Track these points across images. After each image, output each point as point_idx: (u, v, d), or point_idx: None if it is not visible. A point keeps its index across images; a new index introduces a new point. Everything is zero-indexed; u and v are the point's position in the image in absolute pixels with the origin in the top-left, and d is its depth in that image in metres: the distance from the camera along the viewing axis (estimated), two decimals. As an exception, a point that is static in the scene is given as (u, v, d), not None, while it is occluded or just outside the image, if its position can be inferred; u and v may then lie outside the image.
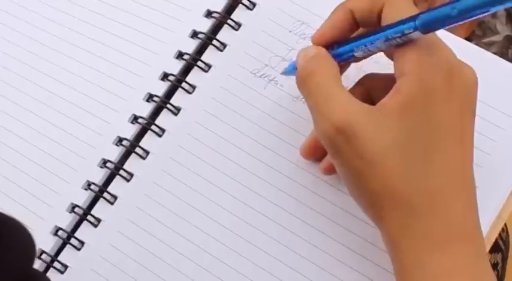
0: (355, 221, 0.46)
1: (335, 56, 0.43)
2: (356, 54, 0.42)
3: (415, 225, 0.38)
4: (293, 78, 0.50)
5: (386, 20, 0.40)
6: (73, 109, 0.53)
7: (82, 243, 0.49)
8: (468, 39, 0.54)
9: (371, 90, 0.44)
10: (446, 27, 0.38)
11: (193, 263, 0.47)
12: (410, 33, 0.38)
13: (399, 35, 0.39)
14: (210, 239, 0.48)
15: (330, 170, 0.46)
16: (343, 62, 0.44)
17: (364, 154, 0.38)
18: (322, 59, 0.42)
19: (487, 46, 0.94)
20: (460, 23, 0.37)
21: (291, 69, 0.47)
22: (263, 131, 0.49)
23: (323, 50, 0.43)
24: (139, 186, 0.50)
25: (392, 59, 0.41)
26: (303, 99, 0.49)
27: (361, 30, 0.44)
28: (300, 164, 0.48)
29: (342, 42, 0.43)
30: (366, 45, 0.41)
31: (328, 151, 0.41)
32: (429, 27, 0.38)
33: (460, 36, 0.54)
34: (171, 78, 0.52)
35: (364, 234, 0.46)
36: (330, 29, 0.43)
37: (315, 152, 0.47)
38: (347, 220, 0.47)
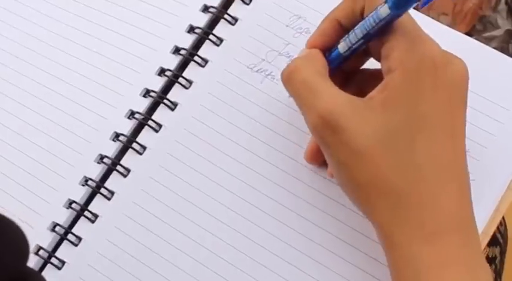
0: (351, 214, 0.46)
1: (330, 60, 0.44)
2: (340, 47, 0.43)
3: (404, 215, 0.39)
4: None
5: (366, 14, 0.41)
6: (70, 105, 0.53)
7: (79, 239, 0.49)
8: (468, 33, 0.54)
9: (364, 86, 0.44)
10: (417, 4, 0.38)
11: (190, 258, 0.47)
12: (386, 16, 0.39)
13: (376, 20, 0.39)
14: (207, 234, 0.48)
15: (313, 158, 0.47)
16: (339, 64, 0.44)
17: (350, 145, 0.39)
18: (308, 57, 0.43)
19: (488, 41, 0.94)
20: None
21: None
22: (260, 126, 0.49)
23: (313, 50, 0.44)
24: (137, 181, 0.50)
25: (379, 60, 0.42)
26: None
27: None
28: (296, 158, 0.48)
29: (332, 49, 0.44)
30: (347, 37, 0.42)
31: (318, 144, 0.42)
32: (400, 3, 0.38)
33: (460, 31, 0.54)
34: (167, 73, 0.52)
35: (359, 227, 0.46)
36: (319, 37, 0.44)
37: (318, 157, 0.46)
38: (343, 214, 0.47)
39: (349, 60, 0.44)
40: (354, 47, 0.42)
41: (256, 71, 0.51)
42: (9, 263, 0.33)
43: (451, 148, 0.39)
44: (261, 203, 0.48)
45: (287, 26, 0.51)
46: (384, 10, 0.38)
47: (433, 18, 0.53)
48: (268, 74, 0.50)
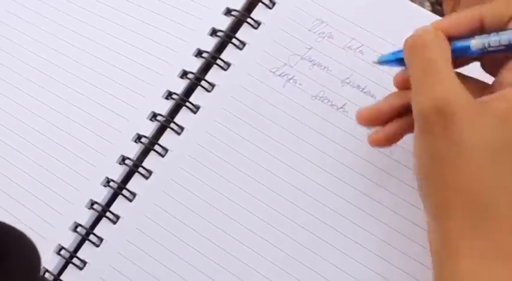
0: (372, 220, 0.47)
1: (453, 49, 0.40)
2: (473, 43, 0.40)
3: (483, 227, 0.35)
4: (311, 77, 0.50)
5: None
6: (93, 106, 0.53)
7: (101, 239, 0.50)
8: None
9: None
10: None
11: (210, 260, 0.48)
12: None
13: None
14: (227, 236, 0.48)
15: (379, 142, 0.43)
16: (454, 58, 0.40)
17: (456, 141, 0.36)
18: (438, 37, 0.39)
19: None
20: None
21: (390, 59, 0.43)
22: (281, 130, 0.49)
23: (441, 33, 0.40)
24: (158, 183, 0.50)
25: (487, 71, 0.40)
26: (322, 98, 0.49)
27: None
28: (317, 162, 0.48)
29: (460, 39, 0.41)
30: (488, 38, 0.39)
31: (417, 127, 0.38)
32: None
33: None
34: (190, 76, 0.52)
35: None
36: (454, 22, 0.41)
37: (376, 121, 0.43)
38: (364, 221, 0.47)
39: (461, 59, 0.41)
40: (488, 50, 0.39)
41: (279, 75, 0.51)
42: (23, 276, 0.34)
43: None
44: (281, 207, 0.48)
45: (309, 30, 0.51)
46: None
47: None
48: (291, 78, 0.50)
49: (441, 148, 0.36)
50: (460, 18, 0.40)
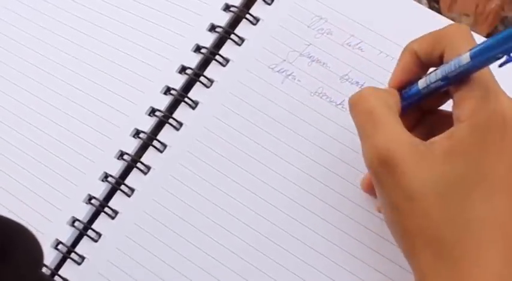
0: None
1: (408, 96, 0.42)
2: (419, 83, 0.41)
3: (446, 267, 0.37)
4: (310, 73, 0.50)
5: (447, 61, 0.40)
6: (91, 101, 0.53)
7: (99, 235, 0.50)
8: (490, 34, 0.54)
9: (436, 127, 0.43)
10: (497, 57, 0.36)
11: (208, 256, 0.48)
12: (465, 64, 0.37)
13: (456, 66, 0.38)
14: (225, 232, 0.48)
15: (370, 189, 0.46)
16: (416, 101, 0.43)
17: (403, 188, 0.37)
18: (381, 89, 0.42)
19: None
20: None
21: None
22: (280, 126, 0.49)
23: (382, 88, 0.43)
24: (157, 179, 0.50)
25: None
26: (320, 95, 0.50)
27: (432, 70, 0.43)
28: (315, 159, 0.48)
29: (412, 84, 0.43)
30: (428, 76, 0.41)
31: (371, 178, 0.40)
32: (480, 56, 0.37)
33: (482, 32, 0.54)
34: (188, 71, 0.52)
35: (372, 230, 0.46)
36: (401, 74, 0.43)
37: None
38: (363, 218, 0.47)
39: (428, 99, 0.42)
40: (432, 86, 0.40)
41: (277, 71, 0.51)
42: (25, 273, 0.34)
43: (506, 210, 0.37)
44: (280, 202, 0.48)
45: (308, 26, 0.52)
46: (465, 58, 0.37)
47: (454, 19, 0.53)
48: (289, 75, 0.50)
49: (392, 195, 0.38)
50: (404, 65, 0.43)
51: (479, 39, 0.49)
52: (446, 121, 0.40)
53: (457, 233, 0.37)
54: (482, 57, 0.37)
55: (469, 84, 0.38)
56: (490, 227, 0.37)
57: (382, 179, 0.39)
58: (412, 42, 0.43)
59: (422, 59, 0.42)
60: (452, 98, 0.41)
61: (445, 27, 0.41)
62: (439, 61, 0.41)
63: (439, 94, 0.42)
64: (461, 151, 0.37)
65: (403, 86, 0.43)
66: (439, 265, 0.37)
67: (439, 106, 0.44)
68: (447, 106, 0.43)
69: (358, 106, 0.41)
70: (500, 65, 0.36)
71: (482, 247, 0.37)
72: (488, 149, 0.37)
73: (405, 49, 0.43)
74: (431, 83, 0.40)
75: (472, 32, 0.49)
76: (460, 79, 0.39)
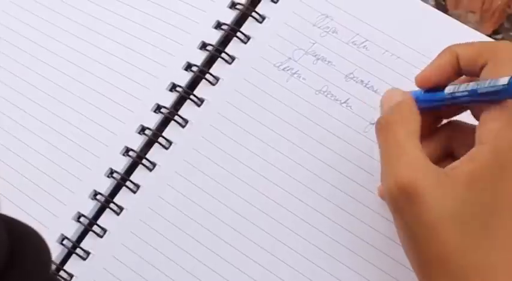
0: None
1: (427, 100, 0.41)
2: (446, 90, 0.40)
3: None
4: (315, 71, 0.50)
5: (485, 76, 0.39)
6: (97, 97, 0.53)
7: (104, 230, 0.50)
8: (496, 31, 0.54)
9: (452, 138, 0.43)
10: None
11: (213, 253, 0.48)
12: (500, 86, 0.37)
13: (491, 84, 0.37)
14: (230, 229, 0.48)
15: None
16: (437, 107, 0.42)
17: (423, 218, 0.37)
18: (407, 110, 0.41)
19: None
20: None
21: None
22: (285, 124, 0.50)
23: (410, 99, 0.41)
24: (162, 176, 0.50)
25: (477, 119, 0.40)
26: (325, 93, 0.50)
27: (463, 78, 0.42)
28: (319, 155, 0.49)
29: (438, 88, 0.41)
30: (458, 85, 0.40)
31: (388, 206, 0.40)
32: None
33: (487, 29, 0.54)
34: (194, 69, 0.52)
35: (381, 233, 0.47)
36: (435, 71, 0.42)
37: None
38: (366, 216, 0.47)
39: (448, 107, 0.42)
40: (458, 96, 0.40)
41: (283, 69, 0.51)
42: (35, 277, 0.34)
43: None
44: (284, 200, 0.48)
45: (314, 25, 0.52)
46: (503, 81, 0.36)
47: (460, 16, 0.53)
48: (295, 73, 0.51)
49: (410, 224, 0.38)
50: (441, 64, 0.41)
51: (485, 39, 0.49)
52: (465, 135, 0.40)
53: (475, 264, 0.36)
54: None
55: (497, 106, 0.38)
56: (510, 257, 0.36)
57: (401, 207, 0.38)
58: (457, 44, 0.41)
59: (461, 63, 0.41)
60: (473, 114, 0.41)
61: (497, 42, 0.40)
62: (477, 71, 0.40)
63: (459, 106, 0.41)
64: (483, 177, 0.37)
65: (430, 85, 0.42)
66: None
67: (456, 115, 0.44)
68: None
69: (384, 132, 0.40)
70: None
71: (500, 276, 0.36)
72: (509, 175, 0.37)
73: (447, 49, 0.42)
74: (459, 93, 0.39)
75: (476, 32, 0.50)
76: (492, 99, 0.38)
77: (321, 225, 0.47)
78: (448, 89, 0.40)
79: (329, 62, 0.51)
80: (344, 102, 0.50)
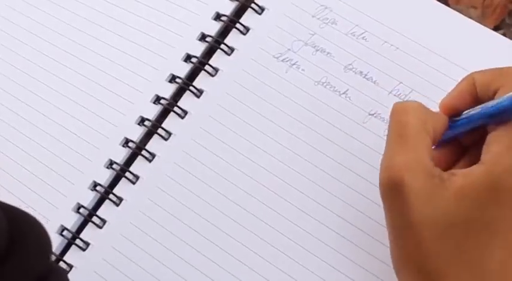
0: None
1: (455, 126, 0.41)
2: (464, 115, 0.41)
3: None
4: (314, 62, 0.50)
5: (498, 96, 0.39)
6: (97, 88, 0.54)
7: (104, 221, 0.50)
8: (497, 27, 0.54)
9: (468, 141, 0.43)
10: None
11: (213, 244, 0.48)
12: (504, 103, 0.37)
13: (494, 103, 0.38)
14: (228, 220, 0.48)
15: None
16: (459, 133, 0.42)
17: (404, 215, 0.37)
18: (429, 110, 0.41)
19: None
20: None
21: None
22: (284, 115, 0.50)
23: (442, 114, 0.42)
24: (161, 166, 0.50)
25: None
26: (324, 84, 0.50)
27: None
28: (319, 147, 0.49)
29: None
30: (468, 112, 0.40)
31: (379, 191, 0.40)
32: None
33: (489, 25, 0.53)
34: (194, 60, 0.52)
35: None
36: (454, 98, 0.42)
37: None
38: (368, 208, 0.47)
39: (469, 134, 0.42)
40: (471, 118, 0.40)
41: (282, 61, 0.51)
42: (35, 264, 0.34)
43: (503, 262, 0.37)
44: (284, 191, 0.48)
45: (313, 16, 0.52)
46: (507, 99, 0.37)
47: (461, 11, 0.52)
48: (294, 64, 0.51)
49: (394, 218, 0.39)
50: (461, 91, 0.41)
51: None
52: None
53: (445, 271, 0.37)
54: None
55: (504, 128, 0.38)
56: (480, 274, 0.37)
57: (389, 199, 0.39)
58: (476, 71, 0.41)
59: (478, 89, 0.41)
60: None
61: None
62: (491, 97, 0.39)
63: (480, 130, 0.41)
64: (471, 195, 0.37)
65: (452, 113, 0.41)
66: None
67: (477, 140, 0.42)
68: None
69: (396, 116, 0.40)
70: None
71: None
72: (499, 199, 0.37)
73: (467, 76, 0.42)
74: (472, 115, 0.40)
75: (478, 24, 0.49)
76: (498, 120, 0.38)
77: (320, 216, 0.47)
78: (464, 113, 0.41)
79: (328, 53, 0.51)
80: (343, 93, 0.50)
